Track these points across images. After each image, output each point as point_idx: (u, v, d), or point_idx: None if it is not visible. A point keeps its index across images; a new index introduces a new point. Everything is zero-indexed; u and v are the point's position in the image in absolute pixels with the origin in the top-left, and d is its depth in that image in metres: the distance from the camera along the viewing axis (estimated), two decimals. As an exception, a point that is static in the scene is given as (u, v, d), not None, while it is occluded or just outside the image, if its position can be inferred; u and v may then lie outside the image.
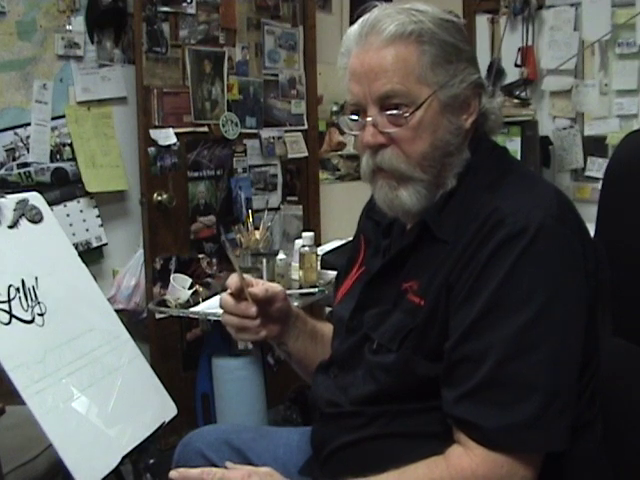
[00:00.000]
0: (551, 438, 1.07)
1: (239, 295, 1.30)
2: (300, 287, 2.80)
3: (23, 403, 1.60)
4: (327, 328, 1.47)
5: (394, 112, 1.16)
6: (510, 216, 1.09)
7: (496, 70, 3.79)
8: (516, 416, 1.05)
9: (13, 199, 1.88)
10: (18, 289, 1.74)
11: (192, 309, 2.71)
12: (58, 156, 2.85)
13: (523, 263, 1.07)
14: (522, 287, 1.07)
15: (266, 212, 3.31)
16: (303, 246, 2.80)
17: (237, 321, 1.31)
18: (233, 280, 1.30)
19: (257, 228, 2.98)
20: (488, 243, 1.09)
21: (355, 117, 1.21)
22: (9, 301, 1.70)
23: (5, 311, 1.68)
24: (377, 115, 1.17)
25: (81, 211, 2.92)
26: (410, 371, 1.15)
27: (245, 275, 1.31)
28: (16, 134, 2.73)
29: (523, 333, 1.06)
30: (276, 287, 1.34)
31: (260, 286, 1.32)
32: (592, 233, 1.26)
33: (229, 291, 1.30)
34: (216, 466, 1.46)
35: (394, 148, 1.17)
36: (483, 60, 3.85)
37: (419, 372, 1.15)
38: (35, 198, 1.94)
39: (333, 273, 2.62)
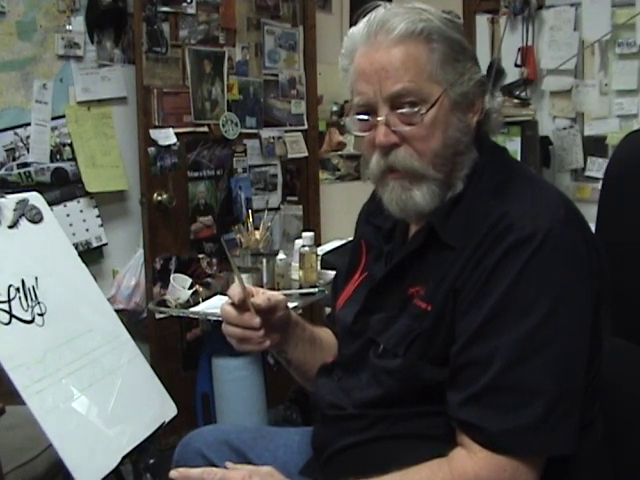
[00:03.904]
0: (555, 441, 1.07)
1: (241, 306, 1.26)
2: (300, 287, 2.80)
3: (23, 403, 1.60)
4: (325, 334, 1.46)
5: (406, 111, 1.15)
6: (518, 221, 1.09)
7: (496, 70, 3.79)
8: (520, 420, 1.05)
9: (13, 199, 1.88)
10: (18, 289, 1.74)
11: (192, 309, 2.71)
12: (58, 156, 2.85)
13: (531, 268, 1.07)
14: (529, 292, 1.07)
15: (266, 212, 3.31)
16: (303, 246, 2.80)
17: (240, 332, 1.27)
18: (235, 291, 1.26)
19: (257, 228, 2.98)
20: (496, 248, 1.09)
21: (365, 117, 1.19)
22: (9, 301, 1.70)
23: (5, 311, 1.68)
24: (389, 114, 1.16)
25: (81, 211, 2.92)
26: (415, 375, 1.15)
27: (246, 283, 1.28)
28: (16, 134, 2.73)
29: (529, 338, 1.06)
30: (277, 296, 1.31)
31: (262, 295, 1.28)
32: (592, 233, 1.26)
33: (230, 301, 1.27)
34: (216, 466, 1.45)
35: (407, 147, 1.16)
36: (483, 60, 3.84)
37: (425, 377, 1.15)
38: (35, 198, 1.94)
39: (333, 273, 2.62)
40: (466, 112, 1.19)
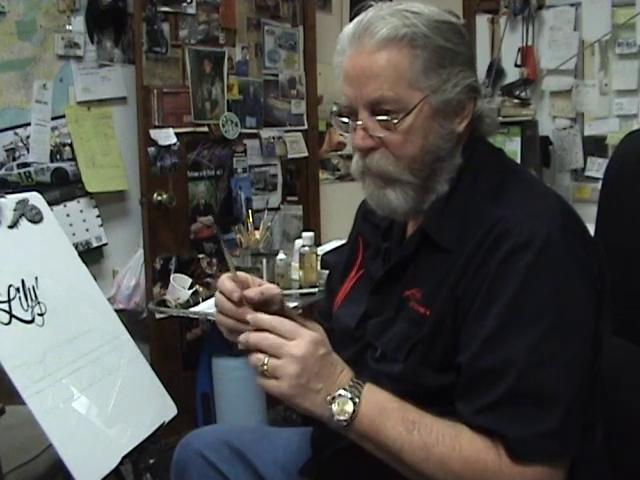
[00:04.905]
0: (573, 443, 1.07)
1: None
2: (300, 287, 2.80)
3: (23, 403, 1.60)
4: (316, 328, 1.45)
5: (384, 117, 1.15)
6: (515, 227, 1.08)
7: (496, 70, 3.79)
8: (541, 426, 1.04)
9: (13, 199, 1.88)
10: (18, 289, 1.74)
11: (192, 309, 2.71)
12: (58, 156, 2.85)
13: (532, 276, 1.06)
14: (534, 300, 1.06)
15: (266, 212, 3.32)
16: (303, 246, 2.80)
17: (232, 324, 1.26)
18: (229, 287, 1.23)
19: (257, 228, 2.98)
20: (494, 255, 1.08)
21: (345, 119, 1.20)
22: (9, 301, 1.70)
23: (5, 311, 1.68)
24: (367, 119, 1.16)
25: (81, 211, 2.92)
26: (417, 381, 1.15)
27: (240, 273, 1.25)
28: (16, 134, 2.73)
29: (539, 345, 1.05)
30: (272, 289, 1.27)
31: (255, 288, 1.25)
32: (592, 233, 1.26)
33: (226, 287, 1.24)
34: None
35: (383, 151, 1.16)
36: (483, 60, 3.85)
37: (426, 382, 1.14)
38: (35, 198, 1.94)
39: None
40: (451, 118, 1.17)
